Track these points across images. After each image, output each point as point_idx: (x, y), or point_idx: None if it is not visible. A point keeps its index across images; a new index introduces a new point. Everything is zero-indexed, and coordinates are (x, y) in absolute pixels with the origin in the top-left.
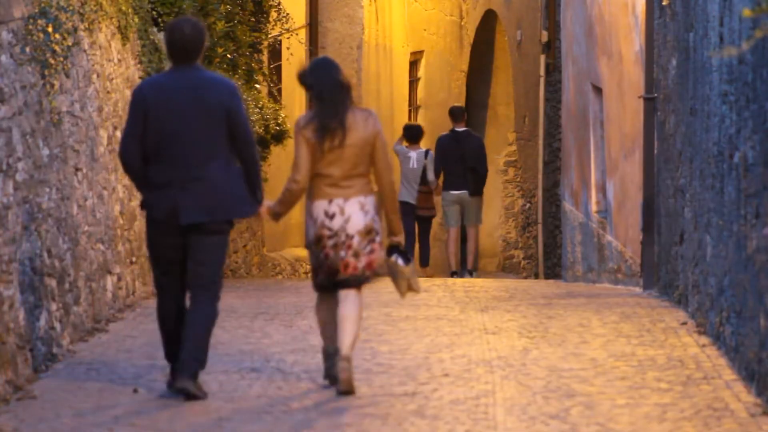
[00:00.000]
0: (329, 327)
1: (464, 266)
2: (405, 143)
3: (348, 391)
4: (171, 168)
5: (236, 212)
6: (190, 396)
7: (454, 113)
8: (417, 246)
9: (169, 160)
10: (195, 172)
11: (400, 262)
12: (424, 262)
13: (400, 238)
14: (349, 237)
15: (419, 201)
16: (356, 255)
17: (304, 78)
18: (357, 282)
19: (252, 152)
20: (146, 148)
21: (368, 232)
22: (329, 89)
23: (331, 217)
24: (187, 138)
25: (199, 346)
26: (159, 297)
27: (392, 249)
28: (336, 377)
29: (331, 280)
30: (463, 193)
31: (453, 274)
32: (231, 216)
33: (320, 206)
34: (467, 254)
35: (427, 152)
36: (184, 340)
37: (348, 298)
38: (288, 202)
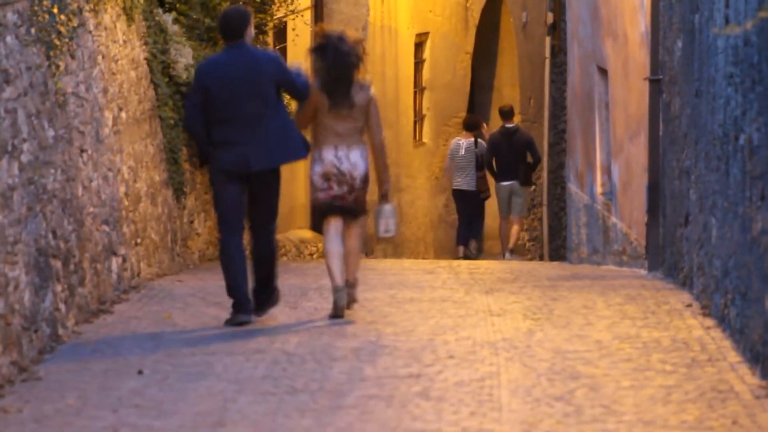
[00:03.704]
0: (336, 263)
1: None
2: (462, 134)
3: (338, 315)
4: (234, 127)
5: (293, 156)
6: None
7: (504, 112)
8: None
9: (232, 122)
10: (255, 129)
11: (385, 205)
12: (463, 240)
13: (387, 186)
14: (353, 178)
15: (478, 186)
16: (351, 191)
17: (318, 56)
18: (349, 211)
19: (306, 93)
20: (210, 114)
21: (365, 179)
22: (342, 71)
23: (339, 160)
24: (245, 103)
25: (268, 281)
26: (223, 238)
27: (381, 196)
28: (338, 306)
29: (333, 205)
30: (514, 183)
31: (509, 253)
32: (289, 159)
33: (329, 151)
34: (510, 237)
35: (476, 140)
36: (255, 278)
37: (351, 236)
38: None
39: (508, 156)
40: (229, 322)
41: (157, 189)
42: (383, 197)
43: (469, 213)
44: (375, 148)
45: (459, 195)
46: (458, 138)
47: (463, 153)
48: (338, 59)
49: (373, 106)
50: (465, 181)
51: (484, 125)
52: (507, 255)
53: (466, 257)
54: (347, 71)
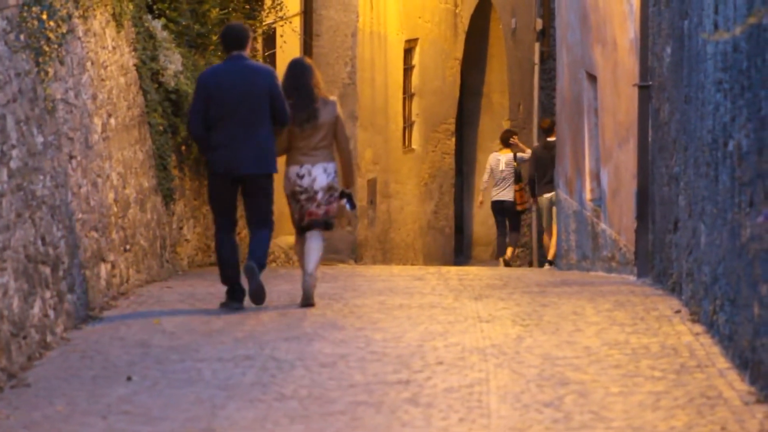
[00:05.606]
0: (303, 259)
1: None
2: (499, 149)
3: (308, 303)
4: (228, 134)
5: (273, 167)
6: (253, 274)
7: (545, 129)
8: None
9: (227, 128)
10: (247, 136)
11: (348, 206)
12: (502, 251)
13: (351, 190)
14: (315, 192)
15: (515, 197)
16: (318, 206)
17: (284, 86)
18: (318, 225)
19: (286, 119)
20: (209, 120)
21: (329, 189)
22: (305, 93)
23: (301, 177)
24: (240, 111)
25: (261, 254)
26: (217, 234)
27: (343, 195)
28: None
29: (303, 222)
30: (553, 195)
31: (549, 263)
32: (274, 169)
33: (294, 170)
34: (550, 247)
35: (514, 156)
36: (249, 252)
37: (312, 237)
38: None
39: (548, 169)
40: (224, 305)
41: (146, 195)
42: (347, 197)
43: (507, 224)
44: (342, 157)
45: (498, 206)
46: (495, 153)
47: (503, 167)
48: (297, 71)
49: (339, 121)
50: (504, 193)
51: (516, 138)
52: (547, 265)
53: (507, 265)
54: (312, 98)
